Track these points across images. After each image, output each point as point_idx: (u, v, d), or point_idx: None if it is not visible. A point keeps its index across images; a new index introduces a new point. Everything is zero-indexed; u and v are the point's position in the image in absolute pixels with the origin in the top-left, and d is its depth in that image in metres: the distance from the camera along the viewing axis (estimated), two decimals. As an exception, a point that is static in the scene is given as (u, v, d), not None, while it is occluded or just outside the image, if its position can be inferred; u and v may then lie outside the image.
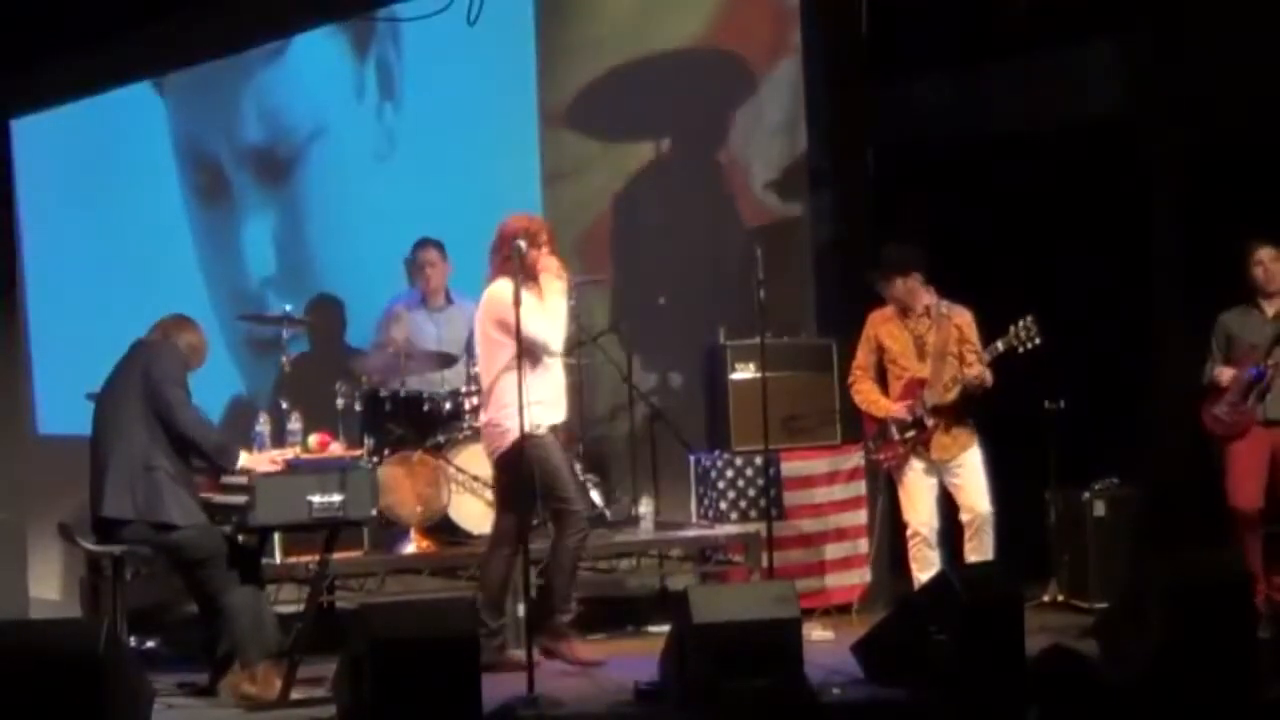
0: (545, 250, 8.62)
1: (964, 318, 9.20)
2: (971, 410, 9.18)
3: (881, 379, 9.38)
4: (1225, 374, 9.36)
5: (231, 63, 10.77)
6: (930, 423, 9.15)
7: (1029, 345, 8.94)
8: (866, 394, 9.36)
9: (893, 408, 9.26)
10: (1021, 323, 8.95)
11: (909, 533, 9.26)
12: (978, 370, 9.05)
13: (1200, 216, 10.07)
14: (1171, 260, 10.43)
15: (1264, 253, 9.36)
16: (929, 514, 9.21)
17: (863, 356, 9.39)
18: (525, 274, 8.42)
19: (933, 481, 9.23)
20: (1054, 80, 10.92)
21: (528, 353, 8.37)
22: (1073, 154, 10.65)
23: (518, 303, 8.15)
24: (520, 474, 8.46)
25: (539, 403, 8.54)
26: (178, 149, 10.86)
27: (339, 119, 11.12)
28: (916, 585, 9.02)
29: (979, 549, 9.10)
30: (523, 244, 8.38)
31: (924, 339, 9.22)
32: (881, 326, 9.34)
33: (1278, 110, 9.78)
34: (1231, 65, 10.01)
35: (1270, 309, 9.39)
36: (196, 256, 10.77)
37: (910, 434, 9.20)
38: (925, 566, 9.14)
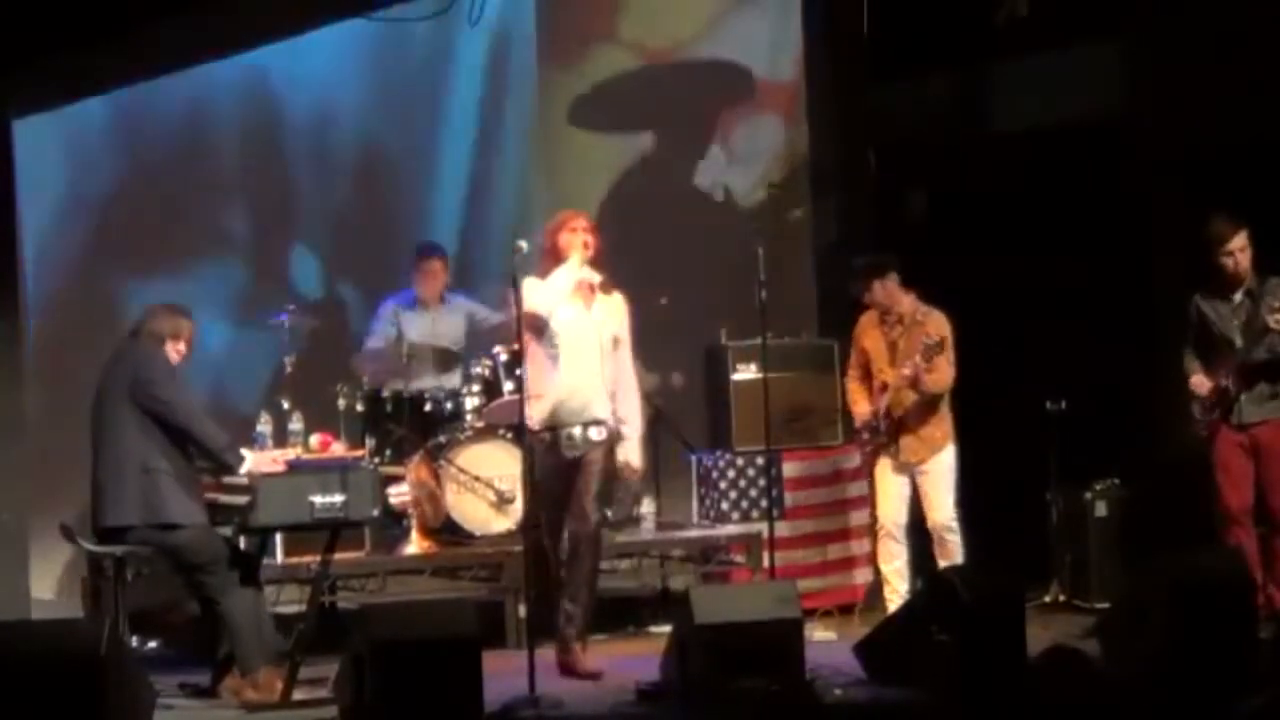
0: None
1: (935, 322, 9.20)
2: (944, 411, 9.18)
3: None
4: (1202, 386, 9.27)
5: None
6: (883, 426, 9.20)
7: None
8: (850, 393, 9.52)
9: (863, 411, 9.37)
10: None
11: (877, 526, 9.42)
12: (907, 371, 9.06)
13: (1200, 216, 10.06)
14: (1171, 260, 10.42)
15: (1237, 241, 9.19)
16: (894, 511, 9.32)
17: (853, 357, 9.52)
18: None
19: (902, 480, 9.33)
20: (1054, 80, 10.91)
21: None
22: (1073, 154, 10.64)
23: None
24: None
25: None
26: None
27: (343, 120, 11.13)
28: (882, 578, 9.32)
29: (944, 555, 9.24)
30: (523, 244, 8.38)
31: (896, 344, 9.27)
32: (865, 331, 9.44)
33: (1277, 110, 9.78)
34: (1231, 65, 10.01)
35: (1236, 296, 9.27)
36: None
37: (869, 436, 9.34)
38: (888, 559, 9.34)
